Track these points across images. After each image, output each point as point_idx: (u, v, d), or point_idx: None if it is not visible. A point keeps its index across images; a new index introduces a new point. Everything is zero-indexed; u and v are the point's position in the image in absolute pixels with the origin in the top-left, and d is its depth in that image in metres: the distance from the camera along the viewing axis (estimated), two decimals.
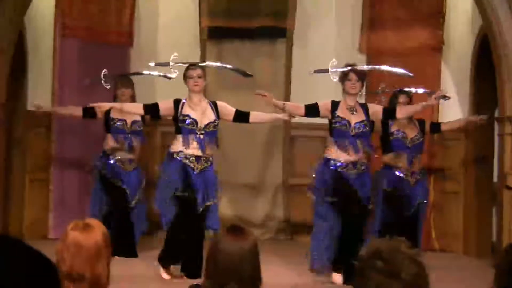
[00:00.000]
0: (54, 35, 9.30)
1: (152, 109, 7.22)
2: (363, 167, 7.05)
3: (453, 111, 8.97)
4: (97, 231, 2.98)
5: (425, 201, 8.05)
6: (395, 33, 9.71)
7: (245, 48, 10.19)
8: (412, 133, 7.98)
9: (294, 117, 7.34)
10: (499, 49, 7.91)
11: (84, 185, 9.26)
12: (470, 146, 8.95)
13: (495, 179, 8.67)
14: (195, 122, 7.00)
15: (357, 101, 7.13)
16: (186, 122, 7.00)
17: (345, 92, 7.10)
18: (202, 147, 6.98)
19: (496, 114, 8.50)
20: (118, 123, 8.13)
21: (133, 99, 8.24)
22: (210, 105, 7.14)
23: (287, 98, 9.97)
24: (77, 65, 9.35)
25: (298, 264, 7.55)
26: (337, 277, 6.89)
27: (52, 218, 9.15)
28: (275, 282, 6.43)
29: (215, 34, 10.17)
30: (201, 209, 6.94)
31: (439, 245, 9.17)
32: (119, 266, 6.62)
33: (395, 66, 8.19)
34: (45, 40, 9.28)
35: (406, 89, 8.13)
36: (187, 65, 7.42)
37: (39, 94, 9.13)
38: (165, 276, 7.04)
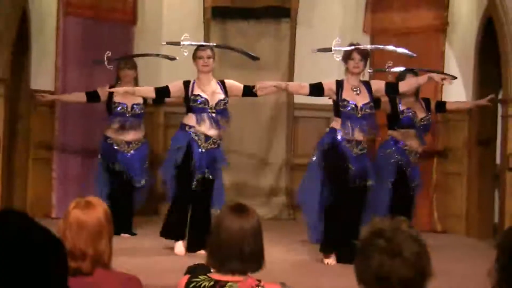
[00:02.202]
0: (57, 13, 9.27)
1: (163, 92, 7.27)
2: (364, 150, 7.04)
3: (457, 91, 8.95)
4: (99, 209, 2.99)
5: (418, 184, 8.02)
6: (400, 14, 9.67)
7: (249, 28, 10.18)
8: (421, 114, 7.96)
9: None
10: (503, 30, 7.89)
11: (87, 164, 9.27)
12: (474, 127, 8.94)
13: (498, 160, 8.66)
14: (206, 101, 7.08)
15: (360, 80, 7.11)
16: (198, 101, 7.10)
17: (348, 71, 7.08)
18: (216, 125, 7.07)
19: (500, 96, 8.49)
20: (119, 107, 8.15)
21: (135, 81, 8.26)
22: (218, 84, 7.22)
23: (290, 78, 9.97)
24: (81, 43, 9.34)
25: (299, 242, 7.59)
26: (330, 260, 6.88)
27: (55, 197, 9.17)
28: (276, 260, 6.46)
29: (219, 13, 10.15)
30: (199, 185, 7.02)
31: (441, 226, 9.18)
32: (122, 242, 6.69)
33: (399, 46, 8.17)
34: (49, 18, 9.26)
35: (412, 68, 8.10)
36: (195, 45, 7.46)
37: (43, 72, 9.12)
38: (178, 250, 7.09)
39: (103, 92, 8.08)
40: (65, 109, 9.23)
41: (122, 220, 7.71)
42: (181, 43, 7.63)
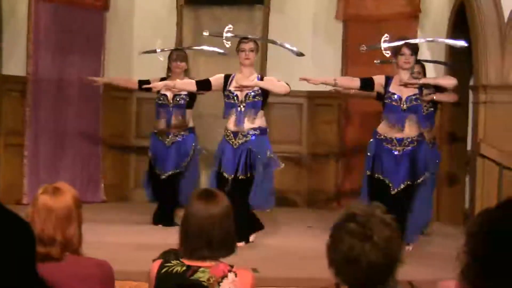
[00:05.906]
0: None
1: (204, 85, 7.26)
2: (412, 144, 6.85)
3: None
4: (67, 195, 2.98)
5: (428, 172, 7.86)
6: (372, 0, 9.69)
7: (223, 14, 10.13)
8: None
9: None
10: (475, 17, 7.93)
11: (59, 151, 9.21)
12: (445, 114, 8.99)
13: (468, 147, 8.72)
14: (236, 96, 7.06)
15: (411, 75, 6.95)
16: (229, 97, 7.09)
17: (398, 67, 6.91)
18: (239, 121, 7.05)
19: (471, 83, 8.55)
20: (161, 97, 8.08)
21: (186, 72, 8.15)
22: (258, 79, 7.16)
23: (263, 64, 9.96)
24: (53, 29, 9.26)
25: (282, 230, 7.62)
26: None
27: (27, 184, 9.10)
28: (256, 247, 6.48)
29: None
30: (231, 181, 6.95)
31: None
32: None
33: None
34: (21, 3, 9.17)
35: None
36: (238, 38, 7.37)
37: (14, 57, 9.05)
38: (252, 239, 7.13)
39: (154, 84, 7.70)
40: (37, 95, 9.16)
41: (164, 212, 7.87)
42: (224, 35, 7.54)
